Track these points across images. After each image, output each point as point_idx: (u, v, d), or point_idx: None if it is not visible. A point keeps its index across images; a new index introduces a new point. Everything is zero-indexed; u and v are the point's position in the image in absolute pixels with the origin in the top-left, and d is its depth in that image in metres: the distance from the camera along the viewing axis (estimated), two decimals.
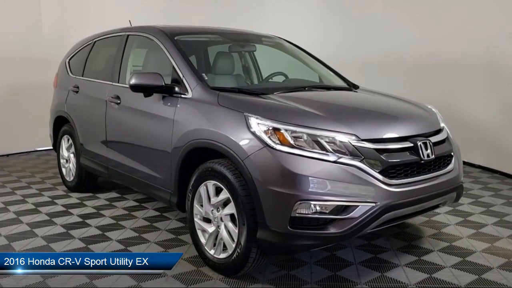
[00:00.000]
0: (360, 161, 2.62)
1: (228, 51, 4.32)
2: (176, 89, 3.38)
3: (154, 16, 7.41)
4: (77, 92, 4.75)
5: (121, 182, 4.31)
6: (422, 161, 2.84)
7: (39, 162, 6.71)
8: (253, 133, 2.72)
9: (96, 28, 5.22)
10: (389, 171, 2.70)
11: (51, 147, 7.41)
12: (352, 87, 3.96)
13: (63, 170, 5.18)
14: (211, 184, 3.01)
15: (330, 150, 2.63)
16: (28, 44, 7.20)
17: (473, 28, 5.77)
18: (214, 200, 3.00)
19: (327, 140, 2.65)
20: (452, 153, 3.15)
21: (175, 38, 3.75)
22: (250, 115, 2.80)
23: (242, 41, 4.31)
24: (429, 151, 2.88)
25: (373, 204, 2.60)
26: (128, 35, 4.24)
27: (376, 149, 2.70)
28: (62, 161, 5.19)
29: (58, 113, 5.10)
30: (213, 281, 2.96)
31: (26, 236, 3.71)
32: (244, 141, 2.75)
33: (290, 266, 3.13)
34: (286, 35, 4.87)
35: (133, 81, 3.41)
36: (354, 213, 2.59)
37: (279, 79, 4.23)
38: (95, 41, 4.87)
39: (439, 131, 3.15)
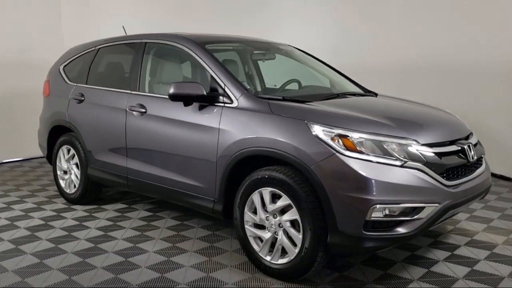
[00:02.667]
0: (424, 165, 2.79)
1: (232, 59, 4.37)
2: (220, 98, 3.39)
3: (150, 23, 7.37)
4: (82, 100, 4.58)
5: (144, 192, 4.22)
6: (469, 163, 3.07)
7: (16, 174, 6.36)
8: (320, 140, 2.81)
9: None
10: (446, 173, 2.90)
11: (21, 158, 7.23)
12: (369, 93, 4.15)
13: (62, 182, 4.96)
14: (267, 191, 3.06)
15: (396, 155, 2.77)
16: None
17: (497, 33, 5.51)
18: (271, 207, 3.05)
19: (392, 145, 2.80)
20: (483, 155, 3.41)
21: (206, 47, 3.75)
22: (313, 122, 2.88)
23: (264, 49, 4.37)
24: (473, 153, 3.12)
25: (437, 205, 2.79)
26: (146, 43, 4.17)
27: (435, 153, 2.88)
28: (59, 172, 4.97)
29: (57, 122, 4.89)
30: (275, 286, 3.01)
31: (56, 253, 3.54)
32: (311, 148, 2.83)
33: (341, 268, 3.24)
34: (300, 42, 4.97)
35: (173, 91, 3.39)
36: (421, 214, 2.75)
37: (293, 86, 4.35)
38: (99, 48, 4.73)
39: (471, 134, 3.41)
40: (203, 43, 3.78)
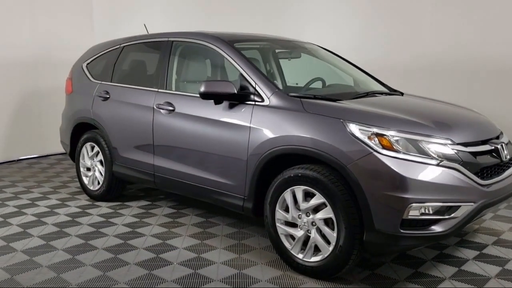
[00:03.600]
0: (459, 164, 2.81)
1: (254, 57, 4.39)
2: (251, 97, 3.42)
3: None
4: (107, 98, 4.61)
5: (171, 189, 4.25)
6: (502, 162, 3.08)
7: (35, 170, 6.40)
8: (356, 139, 2.83)
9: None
10: (480, 172, 2.91)
11: (37, 155, 7.27)
12: (395, 92, 4.16)
13: (85, 179, 5.00)
14: (300, 189, 3.08)
15: (432, 154, 2.79)
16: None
17: None
18: (304, 205, 3.07)
19: (428, 144, 2.81)
20: None
21: (235, 45, 3.77)
22: (350, 121, 2.90)
23: (290, 48, 4.38)
24: (506, 152, 3.13)
25: (472, 204, 2.80)
26: (172, 41, 4.19)
27: (470, 152, 2.90)
28: (82, 169, 5.01)
29: (81, 119, 4.92)
30: (308, 284, 3.03)
31: (87, 249, 3.58)
32: (347, 147, 2.85)
33: (372, 266, 3.26)
34: (324, 40, 4.95)
35: (204, 89, 3.42)
36: (457, 213, 2.77)
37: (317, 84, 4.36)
38: (124, 46, 4.75)
39: (501, 134, 3.41)
40: (232, 42, 3.80)
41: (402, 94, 4.10)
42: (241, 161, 3.40)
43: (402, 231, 2.72)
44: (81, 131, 5.01)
